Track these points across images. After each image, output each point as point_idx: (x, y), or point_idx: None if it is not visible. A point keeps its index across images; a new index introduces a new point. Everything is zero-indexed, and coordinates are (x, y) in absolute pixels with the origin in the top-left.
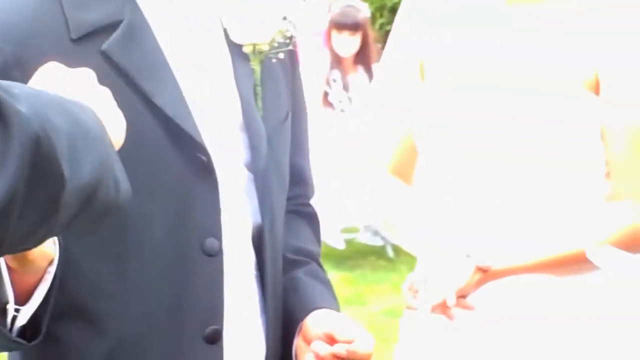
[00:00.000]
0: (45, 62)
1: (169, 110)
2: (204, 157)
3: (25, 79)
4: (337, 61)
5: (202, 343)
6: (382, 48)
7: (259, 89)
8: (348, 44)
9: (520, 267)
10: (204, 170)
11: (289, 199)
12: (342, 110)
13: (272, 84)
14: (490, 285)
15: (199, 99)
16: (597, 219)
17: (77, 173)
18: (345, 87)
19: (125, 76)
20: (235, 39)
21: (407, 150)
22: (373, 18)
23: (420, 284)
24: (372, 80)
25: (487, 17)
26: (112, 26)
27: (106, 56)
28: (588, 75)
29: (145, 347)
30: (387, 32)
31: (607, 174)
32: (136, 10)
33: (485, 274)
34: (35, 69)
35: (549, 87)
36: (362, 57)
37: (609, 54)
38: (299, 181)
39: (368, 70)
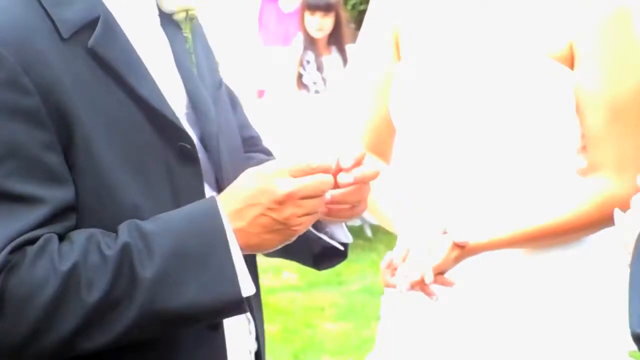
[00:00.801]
0: (46, 64)
1: (154, 102)
2: (188, 145)
3: (33, 84)
4: (310, 42)
5: (205, 329)
6: (356, 28)
7: (193, 57)
8: (321, 25)
9: (497, 241)
10: (189, 158)
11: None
12: (316, 92)
13: (203, 51)
14: (469, 261)
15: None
16: (574, 191)
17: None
18: (320, 69)
19: (111, 70)
20: (168, 7)
21: (384, 128)
22: None
23: (398, 261)
24: (349, 61)
25: None
26: (93, 22)
27: (93, 53)
28: (562, 48)
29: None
30: (360, 12)
31: (582, 148)
32: (101, 3)
33: (463, 250)
34: (39, 74)
35: (522, 60)
36: (336, 38)
37: (584, 25)
38: (257, 144)
39: (342, 51)
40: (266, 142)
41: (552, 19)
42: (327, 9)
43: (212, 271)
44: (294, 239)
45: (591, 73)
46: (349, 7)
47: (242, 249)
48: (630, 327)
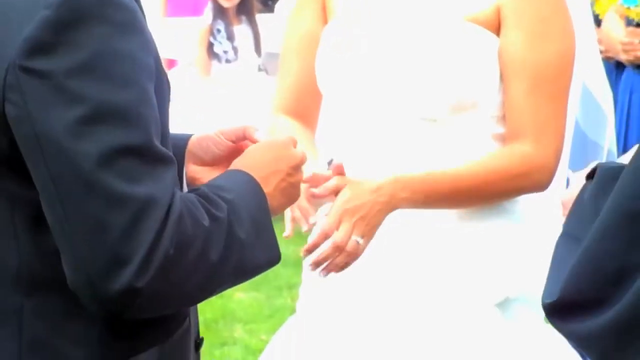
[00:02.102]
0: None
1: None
2: (169, 102)
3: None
4: (220, 12)
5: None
6: None
7: None
8: None
9: (421, 176)
10: (168, 107)
11: None
12: (227, 61)
13: None
14: (396, 227)
15: None
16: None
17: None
18: (230, 38)
19: (144, 23)
20: None
21: (308, 91)
22: None
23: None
24: (259, 30)
25: None
26: None
27: (143, 11)
28: (488, 13)
29: None
30: None
31: (502, 117)
32: None
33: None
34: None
35: (446, 25)
36: (245, 8)
37: None
38: None
39: (251, 20)
40: (178, 112)
41: None
42: None
43: (269, 235)
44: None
45: (515, 39)
46: None
47: None
48: (542, 297)
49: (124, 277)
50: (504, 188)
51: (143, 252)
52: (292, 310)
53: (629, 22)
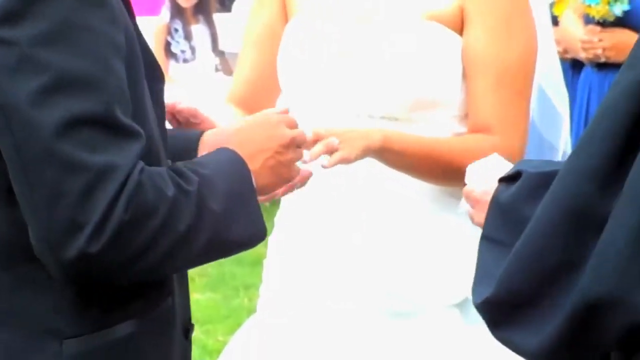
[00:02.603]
0: (120, 10)
1: (147, 44)
2: (162, 88)
3: (121, 23)
4: (177, 11)
5: (182, 337)
6: None
7: None
8: None
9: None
10: (161, 97)
11: None
12: (185, 61)
13: None
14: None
15: None
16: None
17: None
18: (188, 37)
19: (132, 15)
20: None
21: (265, 86)
22: None
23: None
24: (216, 30)
25: None
26: None
27: None
28: (451, 13)
29: None
30: None
31: (464, 116)
32: None
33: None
34: (122, 14)
35: (409, 25)
36: (202, 7)
37: None
38: None
39: (209, 20)
40: None
41: None
42: None
43: (251, 210)
44: (287, 184)
45: (478, 37)
46: None
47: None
48: (472, 299)
49: (79, 242)
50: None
51: (96, 218)
52: (249, 311)
53: (588, 20)
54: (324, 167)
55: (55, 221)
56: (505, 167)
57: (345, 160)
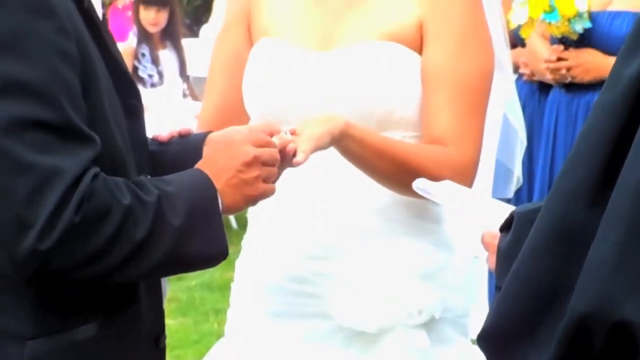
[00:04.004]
0: (72, 16)
1: (121, 61)
2: (137, 102)
3: (71, 32)
4: (145, 36)
5: (152, 346)
6: (191, 24)
7: None
8: (156, 19)
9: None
10: (136, 113)
11: None
12: (152, 85)
13: None
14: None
15: None
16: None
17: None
18: (155, 62)
19: (96, 30)
20: None
21: (233, 111)
22: None
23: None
24: (184, 56)
25: None
26: None
27: (87, 13)
28: (410, 31)
29: None
30: (195, 8)
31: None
32: None
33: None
34: (73, 25)
35: (368, 46)
36: (170, 33)
37: (431, 7)
38: None
39: (177, 45)
40: None
41: (400, 3)
42: (162, 3)
43: (213, 227)
44: (255, 204)
45: (436, 53)
46: (185, 2)
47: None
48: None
49: (29, 239)
50: (430, 169)
51: (44, 217)
52: (219, 336)
53: (553, 42)
54: (295, 163)
55: (5, 219)
56: (460, 191)
57: (310, 150)
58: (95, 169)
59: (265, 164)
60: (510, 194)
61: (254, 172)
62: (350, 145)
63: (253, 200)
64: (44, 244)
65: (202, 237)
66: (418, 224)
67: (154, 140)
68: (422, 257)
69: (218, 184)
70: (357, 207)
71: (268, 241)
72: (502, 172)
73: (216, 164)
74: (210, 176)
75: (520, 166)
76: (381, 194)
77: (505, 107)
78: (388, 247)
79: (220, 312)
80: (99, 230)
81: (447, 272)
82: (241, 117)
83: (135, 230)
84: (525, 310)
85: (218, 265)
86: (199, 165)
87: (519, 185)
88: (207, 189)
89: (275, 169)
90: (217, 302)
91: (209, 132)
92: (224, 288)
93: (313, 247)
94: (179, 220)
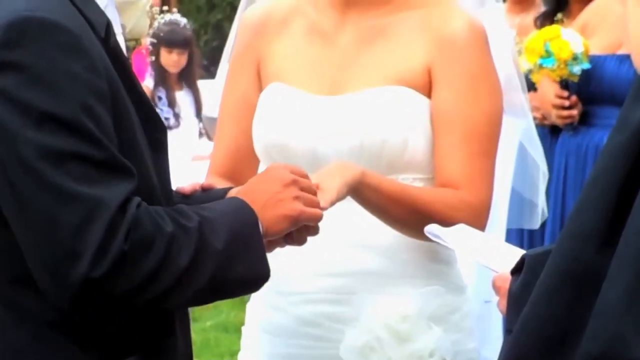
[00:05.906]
0: (102, 56)
1: (146, 98)
2: (162, 137)
3: (103, 72)
4: (162, 78)
5: None
6: (208, 64)
7: None
8: (178, 61)
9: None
10: (161, 147)
11: None
12: (169, 128)
13: None
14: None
15: None
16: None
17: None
18: (172, 104)
19: (123, 67)
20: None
21: (243, 155)
22: (197, 35)
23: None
24: (200, 97)
25: (320, 24)
26: (109, 25)
27: (114, 51)
28: (419, 76)
29: None
30: (212, 49)
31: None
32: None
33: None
34: (104, 65)
35: (376, 91)
36: (187, 74)
37: (439, 52)
38: None
39: (193, 86)
40: None
41: (409, 48)
42: (183, 45)
43: (254, 251)
44: (298, 225)
45: (446, 97)
46: (202, 43)
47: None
48: None
49: (80, 268)
50: (444, 214)
51: (95, 246)
52: None
53: (562, 85)
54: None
55: (54, 251)
56: (471, 234)
57: (332, 200)
58: (137, 199)
59: (303, 189)
60: (537, 226)
61: (292, 193)
62: (366, 193)
63: (293, 221)
64: (97, 272)
65: (245, 261)
66: (429, 266)
67: (177, 193)
68: (433, 299)
69: (256, 207)
70: (368, 250)
71: (279, 284)
72: (527, 206)
73: (254, 190)
74: (250, 202)
75: (544, 198)
76: (392, 237)
77: (526, 141)
78: (399, 289)
79: (235, 354)
80: (147, 257)
81: (458, 314)
82: (251, 161)
83: (179, 256)
84: (536, 353)
85: (232, 306)
86: (236, 194)
87: (544, 218)
88: (246, 213)
89: (316, 198)
90: (232, 344)
91: (230, 187)
92: (239, 329)
93: (324, 289)
94: (221, 245)
